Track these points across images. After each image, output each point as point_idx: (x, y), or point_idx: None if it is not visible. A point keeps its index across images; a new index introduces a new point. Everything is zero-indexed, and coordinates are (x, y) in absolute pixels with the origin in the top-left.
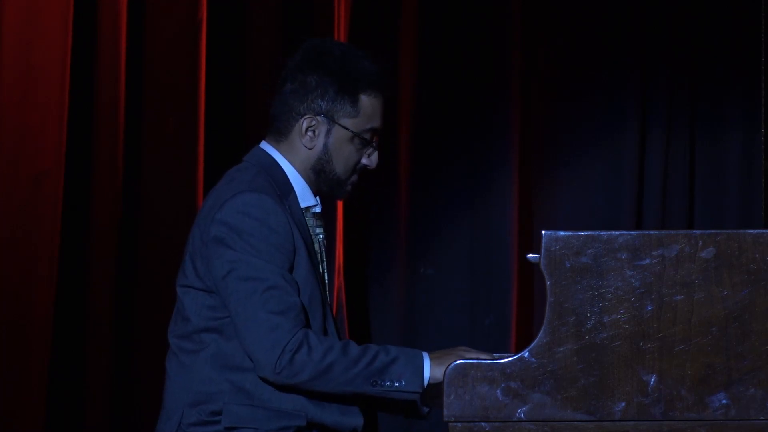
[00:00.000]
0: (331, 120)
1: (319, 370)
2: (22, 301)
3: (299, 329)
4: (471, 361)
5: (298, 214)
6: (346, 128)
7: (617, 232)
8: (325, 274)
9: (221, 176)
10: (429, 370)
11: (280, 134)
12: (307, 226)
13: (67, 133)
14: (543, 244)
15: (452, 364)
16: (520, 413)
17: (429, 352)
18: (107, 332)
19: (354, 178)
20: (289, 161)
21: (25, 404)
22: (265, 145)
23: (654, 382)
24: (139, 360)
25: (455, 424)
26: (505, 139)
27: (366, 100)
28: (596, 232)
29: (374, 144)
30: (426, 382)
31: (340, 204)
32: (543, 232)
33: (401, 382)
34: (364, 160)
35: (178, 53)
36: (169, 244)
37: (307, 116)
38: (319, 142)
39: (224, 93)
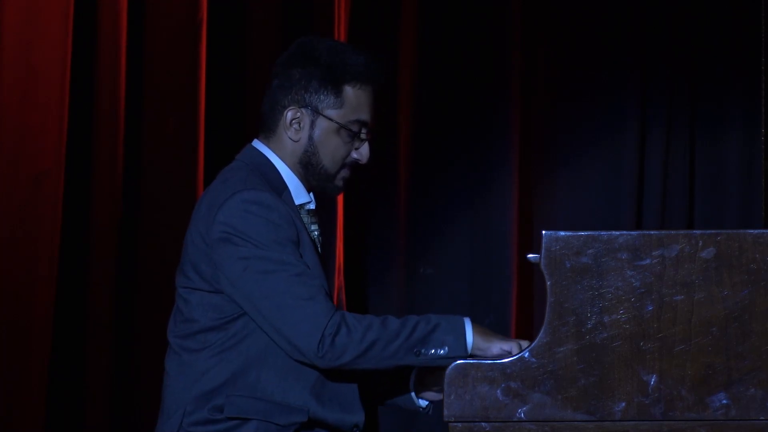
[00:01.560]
0: (315, 111)
1: (362, 349)
2: (22, 301)
3: (334, 311)
4: (471, 362)
5: (293, 211)
6: (331, 119)
7: (617, 232)
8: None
9: None
10: (472, 336)
11: (269, 130)
12: (303, 223)
13: (67, 133)
14: (543, 244)
15: (452, 364)
16: (521, 413)
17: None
18: (107, 332)
19: (344, 172)
20: (279, 157)
21: (25, 404)
22: (256, 143)
23: (654, 382)
24: (139, 360)
25: (455, 424)
26: (505, 139)
27: (350, 91)
28: (596, 232)
29: (363, 137)
30: (470, 347)
31: (340, 204)
32: (543, 232)
33: (444, 348)
34: (354, 154)
35: (178, 53)
36: (169, 244)
37: (291, 108)
38: (304, 134)
39: (224, 93)
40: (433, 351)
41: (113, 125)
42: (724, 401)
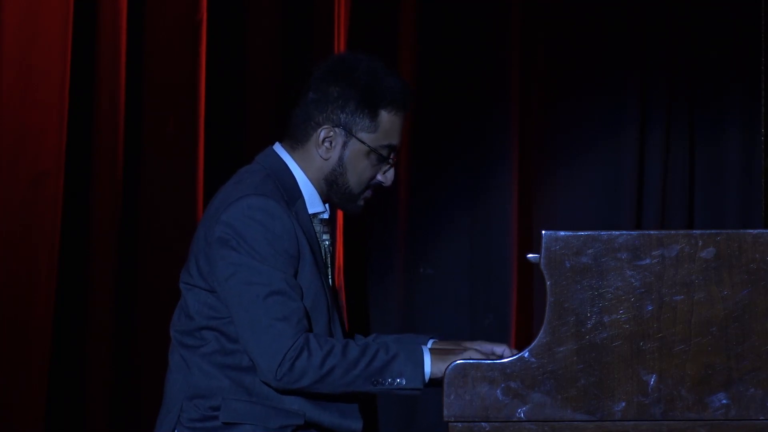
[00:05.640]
0: (349, 133)
1: (320, 374)
2: (22, 301)
3: (301, 335)
4: (471, 361)
5: (305, 219)
6: (363, 142)
7: (617, 232)
8: (330, 280)
9: (221, 176)
10: (430, 365)
11: (297, 141)
12: (314, 232)
13: (67, 133)
14: (543, 244)
15: (452, 364)
16: (520, 413)
17: (432, 341)
18: (107, 332)
19: (367, 193)
20: (301, 168)
21: (25, 404)
22: (279, 148)
23: (654, 382)
24: (139, 360)
25: (455, 424)
26: (504, 139)
27: (386, 116)
28: (596, 232)
29: (391, 161)
30: (427, 378)
31: None
32: (543, 232)
33: (402, 379)
34: (379, 177)
35: (178, 53)
36: (169, 244)
37: (325, 126)
38: (335, 154)
39: (224, 93)
40: (390, 380)
41: (113, 125)
42: (724, 401)
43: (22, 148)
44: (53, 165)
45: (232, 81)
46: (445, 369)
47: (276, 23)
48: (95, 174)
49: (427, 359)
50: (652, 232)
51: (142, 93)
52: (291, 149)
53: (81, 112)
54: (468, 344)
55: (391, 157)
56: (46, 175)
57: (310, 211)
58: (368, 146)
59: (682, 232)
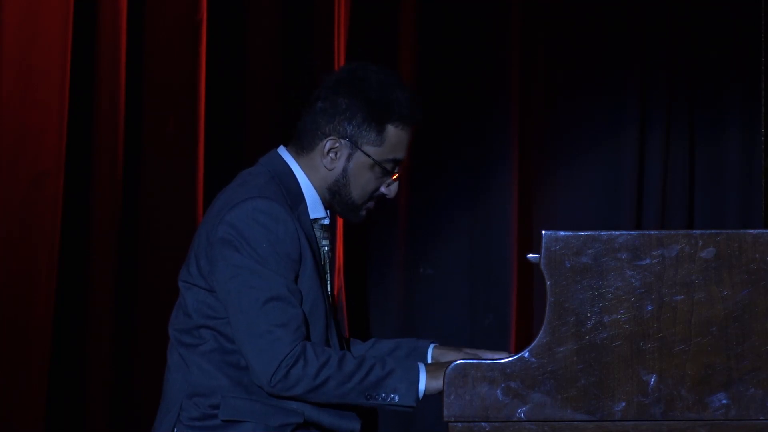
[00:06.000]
0: (354, 145)
1: (314, 385)
2: (22, 301)
3: (298, 342)
4: (471, 361)
5: (306, 224)
6: (368, 155)
7: (617, 232)
8: (329, 286)
9: (221, 176)
10: (425, 383)
11: (302, 148)
12: (315, 237)
13: (67, 133)
14: (543, 244)
15: (452, 364)
16: (520, 413)
17: (432, 353)
18: (107, 332)
19: (370, 204)
20: (305, 174)
21: (25, 404)
22: (283, 152)
23: (654, 382)
24: (139, 360)
25: (455, 424)
26: (504, 139)
27: (392, 131)
28: (596, 232)
29: (396, 174)
30: (421, 395)
31: None
32: (543, 232)
33: (395, 396)
34: (383, 189)
35: (178, 53)
36: (169, 244)
37: (332, 138)
38: (339, 165)
39: (224, 93)
40: (384, 395)
41: (113, 125)
42: (724, 401)
43: (22, 148)
44: (53, 165)
45: (232, 81)
46: (443, 380)
47: (276, 23)
48: (95, 174)
49: (423, 378)
50: (652, 232)
51: (142, 93)
52: (296, 154)
53: (81, 112)
54: (469, 351)
55: (396, 170)
56: (46, 175)
57: (312, 216)
58: (373, 159)
59: (682, 232)
